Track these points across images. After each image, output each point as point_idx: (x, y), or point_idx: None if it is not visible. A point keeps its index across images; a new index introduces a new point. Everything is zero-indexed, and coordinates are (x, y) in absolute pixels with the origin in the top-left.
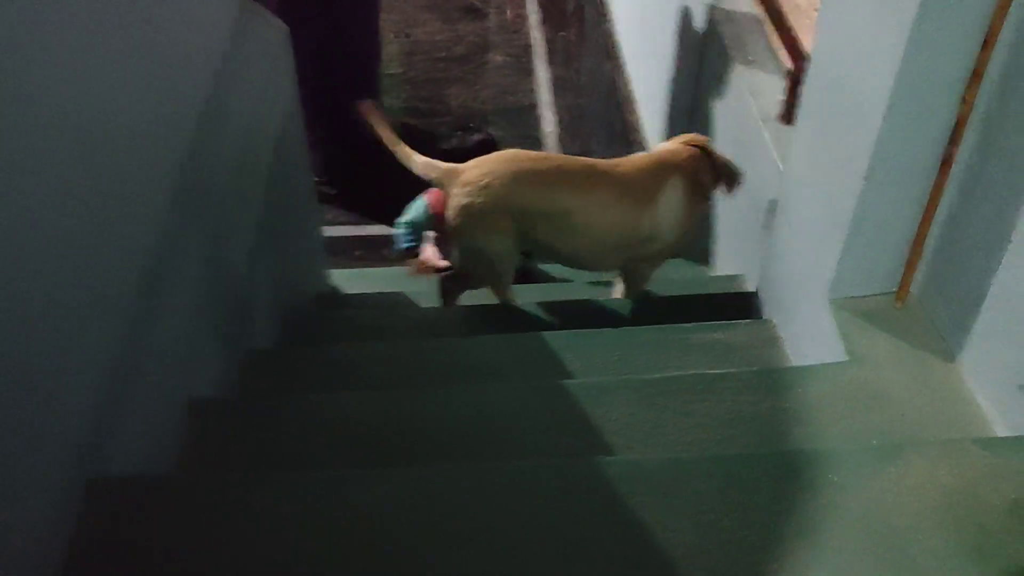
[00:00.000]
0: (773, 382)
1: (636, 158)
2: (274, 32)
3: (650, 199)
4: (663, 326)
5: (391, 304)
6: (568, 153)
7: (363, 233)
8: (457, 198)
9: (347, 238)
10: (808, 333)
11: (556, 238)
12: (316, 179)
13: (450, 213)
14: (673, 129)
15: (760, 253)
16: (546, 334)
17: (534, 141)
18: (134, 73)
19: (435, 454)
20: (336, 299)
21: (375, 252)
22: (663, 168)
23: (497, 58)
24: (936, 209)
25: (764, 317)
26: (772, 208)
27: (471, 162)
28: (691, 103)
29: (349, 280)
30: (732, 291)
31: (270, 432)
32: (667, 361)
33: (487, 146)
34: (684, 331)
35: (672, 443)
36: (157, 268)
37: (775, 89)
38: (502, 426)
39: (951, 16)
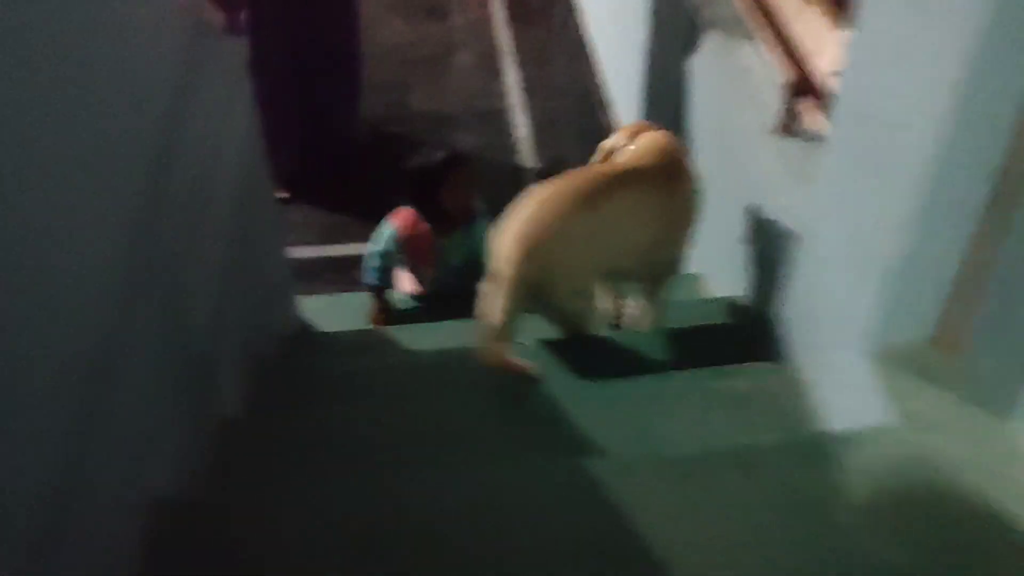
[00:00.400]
0: (819, 453)
1: (643, 149)
2: (231, 56)
3: (675, 189)
4: (681, 374)
5: (370, 345)
6: (543, 158)
7: (332, 254)
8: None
9: (315, 259)
10: (842, 382)
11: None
12: (281, 194)
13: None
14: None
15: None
16: (554, 388)
17: (507, 147)
18: (75, 120)
19: (438, 546)
20: (309, 340)
21: (346, 274)
22: (674, 159)
23: (464, 59)
24: (987, 250)
25: (783, 355)
26: (784, 235)
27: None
28: (675, 110)
29: (320, 311)
30: (739, 322)
31: (245, 538)
32: (690, 418)
33: (454, 163)
34: (704, 379)
35: (715, 535)
36: (108, 347)
37: (771, 99)
38: (515, 517)
39: (1013, 45)
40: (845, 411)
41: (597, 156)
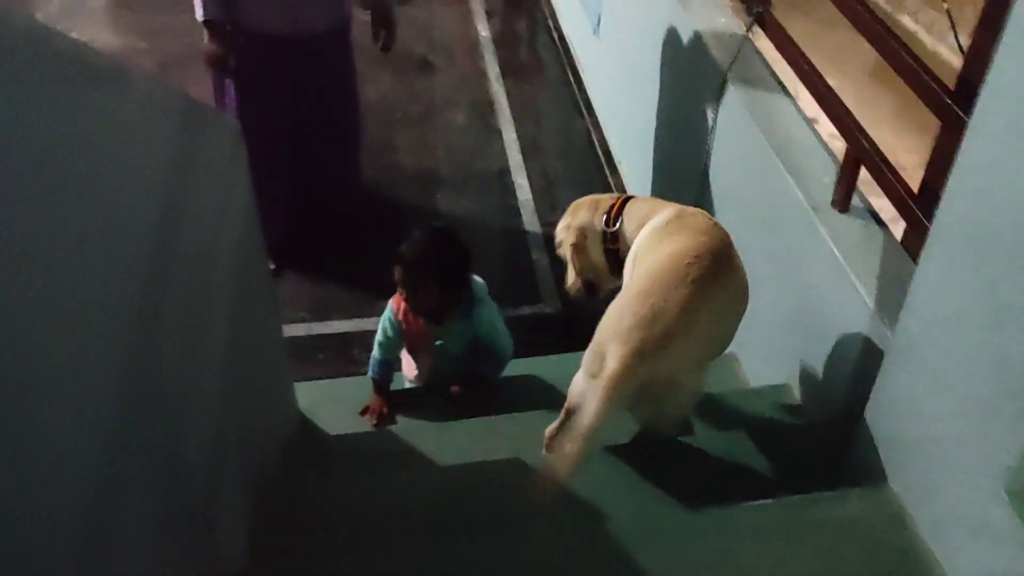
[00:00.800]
0: None
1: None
2: (225, 134)
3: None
4: (761, 505)
5: (384, 454)
6: (547, 223)
7: (325, 331)
8: None
9: (307, 337)
10: (962, 520)
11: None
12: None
13: None
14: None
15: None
16: (618, 524)
17: (511, 209)
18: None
19: None
20: (311, 448)
21: (341, 353)
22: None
23: (458, 117)
24: None
25: (863, 474)
26: (850, 329)
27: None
28: (701, 174)
29: (319, 403)
30: (801, 423)
31: None
32: (782, 561)
33: (406, 264)
34: (788, 509)
35: None
36: (97, 513)
37: (820, 170)
38: None
39: None
40: (965, 551)
41: (569, 237)
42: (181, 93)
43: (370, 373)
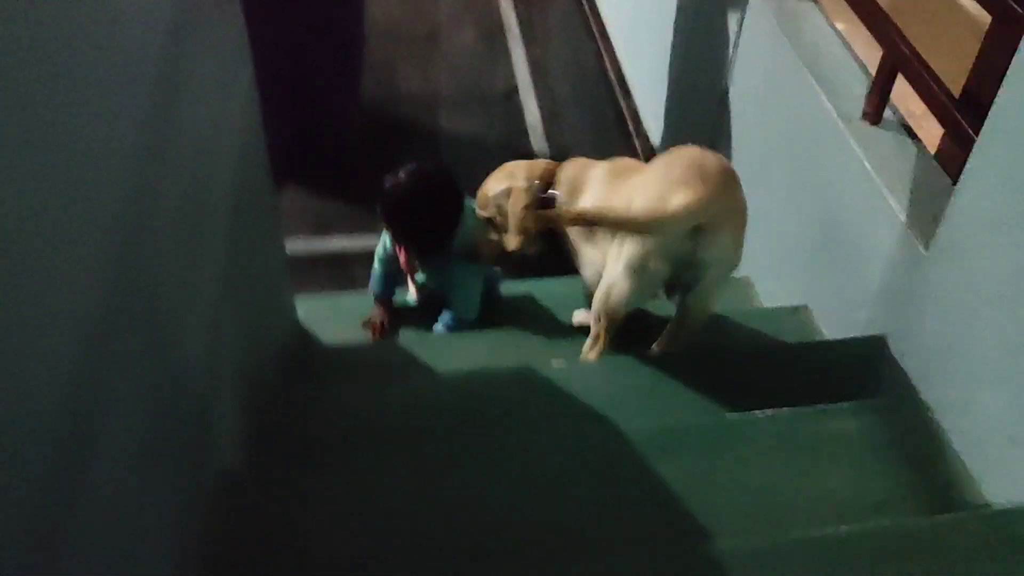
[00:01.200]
0: (1010, 531)
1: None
2: (229, 21)
3: None
4: (782, 414)
5: (383, 365)
6: (557, 145)
7: (327, 248)
8: None
9: (308, 253)
10: (999, 430)
11: None
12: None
13: None
14: (699, 121)
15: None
16: (630, 432)
17: (519, 131)
18: (46, 112)
19: None
20: (310, 357)
21: (343, 270)
22: None
23: (466, 38)
24: None
25: (894, 389)
26: (875, 243)
27: None
28: (721, 93)
29: (318, 316)
30: (821, 341)
31: None
32: (805, 469)
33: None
34: (810, 420)
35: None
36: (87, 386)
37: (850, 81)
38: None
39: None
40: (1005, 466)
41: (521, 199)
42: None
43: (370, 286)
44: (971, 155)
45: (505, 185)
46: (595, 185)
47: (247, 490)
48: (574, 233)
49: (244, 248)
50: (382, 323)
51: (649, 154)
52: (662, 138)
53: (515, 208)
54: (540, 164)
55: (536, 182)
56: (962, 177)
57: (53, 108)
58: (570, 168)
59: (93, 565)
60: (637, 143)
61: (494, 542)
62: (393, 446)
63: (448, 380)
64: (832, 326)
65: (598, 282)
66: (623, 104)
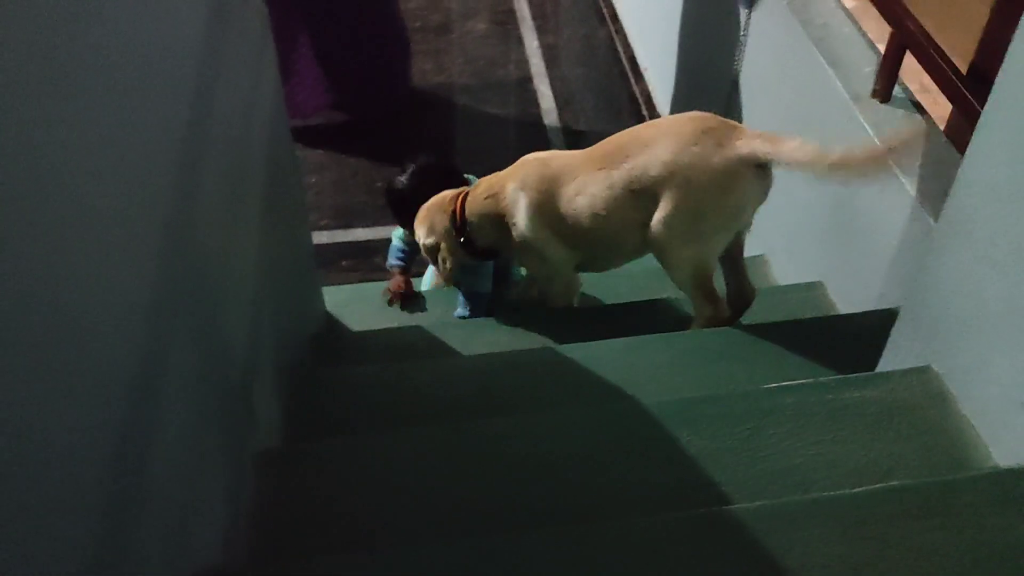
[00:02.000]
0: (1017, 491)
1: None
2: (254, 13)
3: None
4: (797, 385)
5: (408, 348)
6: (571, 131)
7: (348, 239)
8: None
9: (330, 245)
10: (1009, 397)
11: None
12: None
13: None
14: (711, 102)
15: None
16: (651, 405)
17: (534, 118)
18: (94, 110)
19: None
20: (339, 342)
21: (365, 261)
22: None
23: (479, 26)
24: None
25: (907, 359)
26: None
27: None
28: (733, 73)
29: (343, 305)
30: (837, 315)
31: None
32: (820, 437)
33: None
34: (824, 390)
35: None
36: (140, 382)
37: (859, 60)
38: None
39: None
40: (1015, 432)
41: (444, 252)
42: None
43: (389, 259)
44: (976, 129)
45: (431, 239)
46: (581, 172)
47: (285, 464)
48: (537, 240)
49: (276, 241)
50: (400, 290)
51: None
52: None
53: (445, 258)
54: (449, 197)
55: (446, 226)
56: (968, 150)
57: (112, 114)
58: (475, 191)
59: (160, 528)
60: None
61: (522, 511)
62: (421, 422)
63: (472, 360)
64: (846, 301)
65: (564, 278)
66: (636, 87)
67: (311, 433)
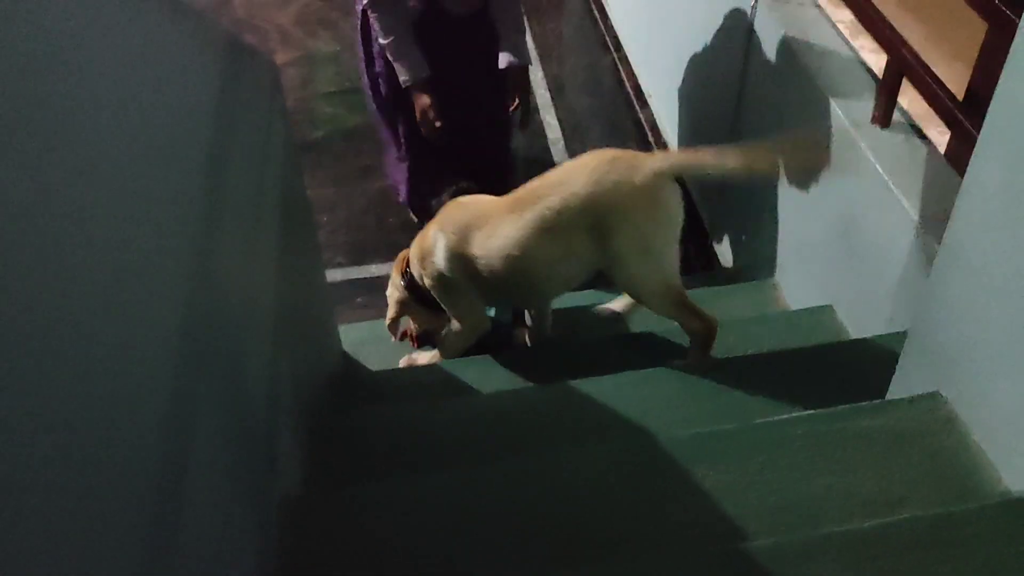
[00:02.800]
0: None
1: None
2: (263, 70)
3: None
4: (807, 415)
5: (425, 387)
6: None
7: (363, 275)
8: None
9: (345, 282)
10: (1018, 421)
11: None
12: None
13: None
14: (715, 128)
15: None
16: (665, 440)
17: (542, 149)
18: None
19: None
20: (356, 382)
21: (380, 297)
22: None
23: None
24: None
25: (917, 387)
26: (892, 243)
27: None
28: (735, 100)
29: (359, 344)
30: (845, 341)
31: None
32: (831, 468)
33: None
34: (835, 419)
35: None
36: (180, 411)
37: (860, 87)
38: None
39: None
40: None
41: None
42: (222, 27)
43: None
44: (972, 157)
45: (393, 296)
46: (495, 216)
47: (308, 509)
48: (453, 278)
49: (293, 285)
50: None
51: None
52: (679, 146)
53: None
54: (402, 256)
55: (397, 282)
56: (964, 178)
57: (137, 175)
58: (411, 251)
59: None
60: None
61: (543, 552)
62: (439, 464)
63: (488, 399)
64: (857, 325)
65: (473, 320)
66: (641, 114)
67: (331, 478)
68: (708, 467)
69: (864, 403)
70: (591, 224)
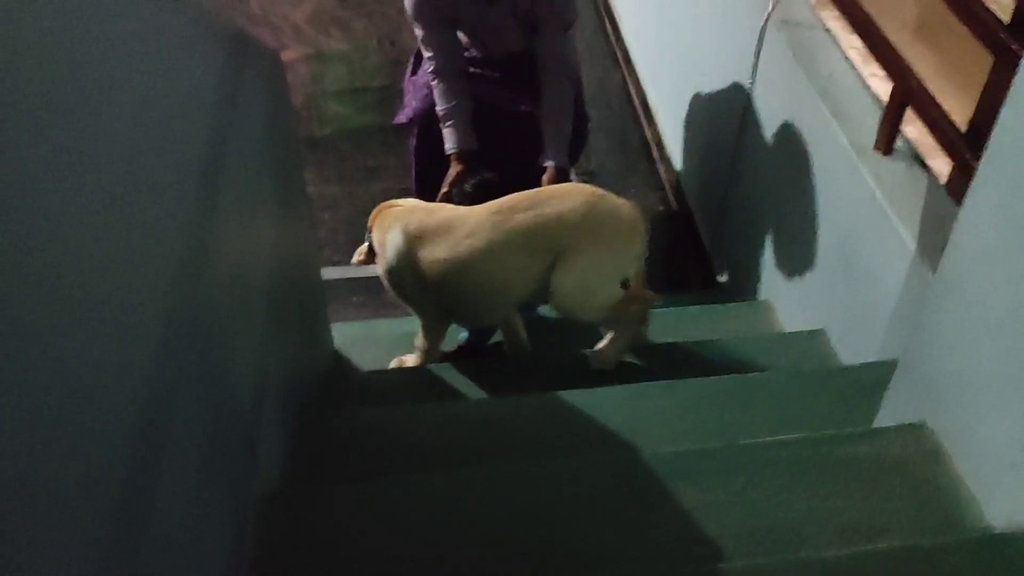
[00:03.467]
0: (1005, 554)
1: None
2: (267, 63)
3: None
4: (793, 439)
5: (414, 389)
6: (584, 172)
7: (360, 274)
8: None
9: (341, 280)
10: (1002, 455)
11: None
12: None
13: None
14: (720, 147)
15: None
16: (649, 456)
17: None
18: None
19: None
20: (346, 382)
21: (376, 297)
22: None
23: None
24: None
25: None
26: (888, 271)
27: None
28: (740, 123)
29: (352, 342)
30: (835, 367)
31: None
32: (814, 492)
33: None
34: (820, 444)
35: None
36: (157, 407)
37: (863, 112)
38: None
39: None
40: (1006, 489)
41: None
42: (223, 18)
43: None
44: (969, 190)
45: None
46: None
47: (288, 507)
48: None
49: (288, 278)
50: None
51: (673, 180)
52: (684, 164)
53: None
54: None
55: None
56: (961, 211)
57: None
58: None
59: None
60: (660, 168)
61: (521, 561)
62: (423, 467)
63: (476, 405)
64: (848, 350)
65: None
66: (647, 130)
67: (314, 477)
68: (690, 485)
69: (850, 430)
70: (573, 246)
